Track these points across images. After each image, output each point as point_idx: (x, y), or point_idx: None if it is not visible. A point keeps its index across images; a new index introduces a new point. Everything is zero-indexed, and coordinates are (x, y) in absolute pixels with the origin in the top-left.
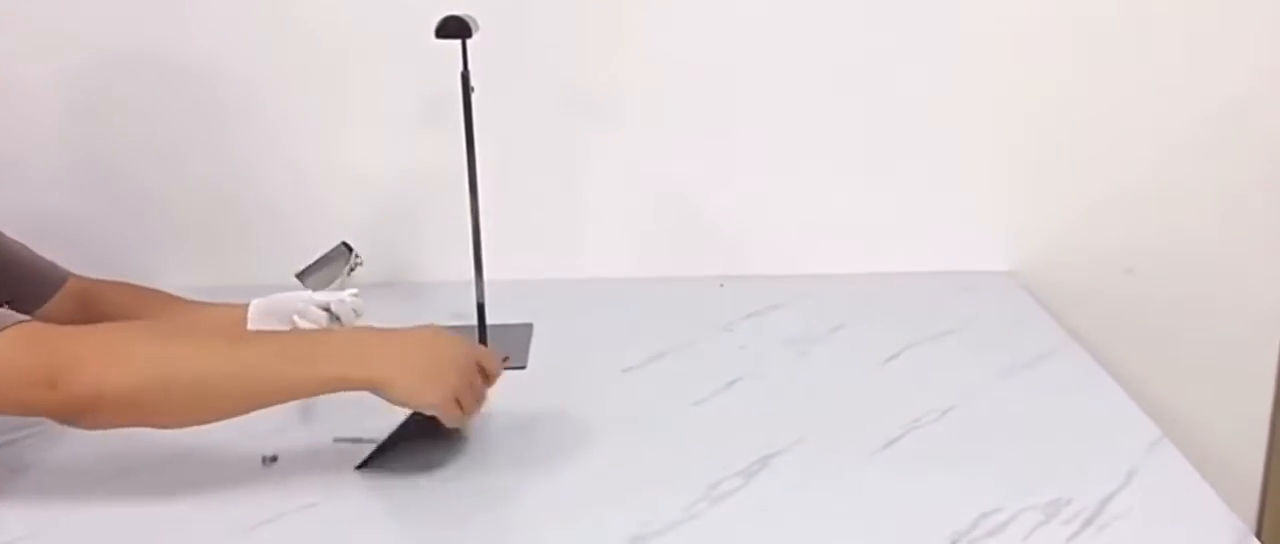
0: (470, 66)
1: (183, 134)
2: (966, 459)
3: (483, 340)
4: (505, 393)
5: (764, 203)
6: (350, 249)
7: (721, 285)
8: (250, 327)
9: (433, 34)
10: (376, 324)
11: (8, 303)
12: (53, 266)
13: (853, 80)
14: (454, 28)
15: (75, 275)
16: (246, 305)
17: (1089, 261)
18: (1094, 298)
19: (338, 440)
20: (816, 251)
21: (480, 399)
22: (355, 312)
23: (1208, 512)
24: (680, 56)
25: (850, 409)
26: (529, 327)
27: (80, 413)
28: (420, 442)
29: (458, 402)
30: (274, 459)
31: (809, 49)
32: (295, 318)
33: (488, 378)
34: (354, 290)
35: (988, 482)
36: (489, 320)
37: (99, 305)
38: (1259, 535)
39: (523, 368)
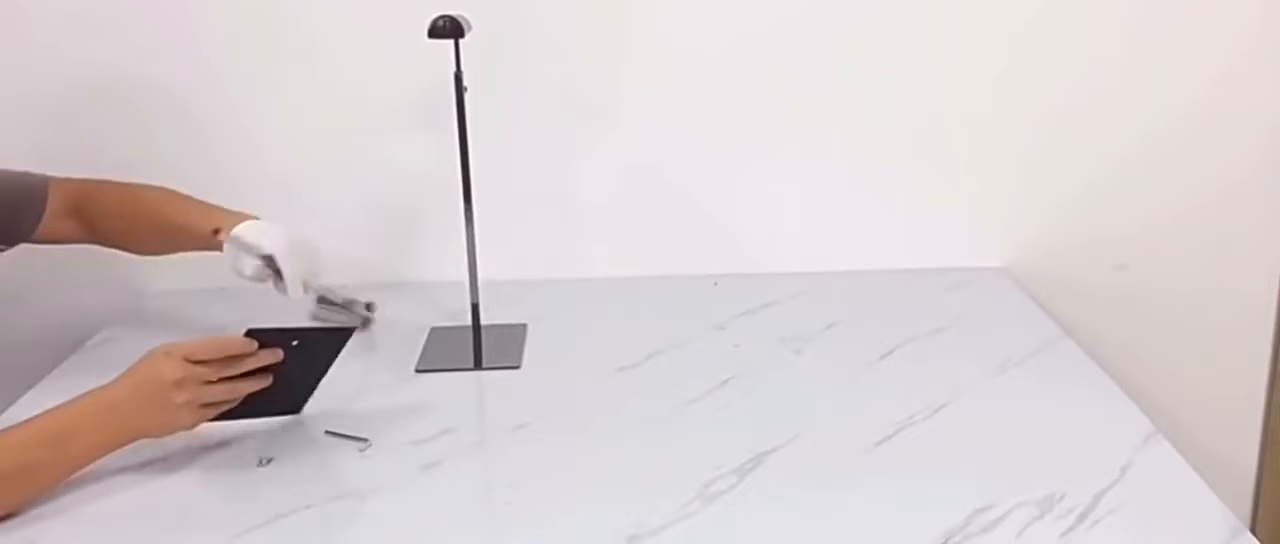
0: (464, 66)
1: (172, 135)
2: (960, 456)
3: (477, 341)
4: (500, 393)
5: (757, 202)
6: (371, 309)
7: (715, 283)
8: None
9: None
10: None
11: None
12: (31, 183)
13: (845, 79)
14: (447, 28)
15: (56, 179)
16: (243, 217)
17: (1082, 257)
18: (1087, 293)
19: (329, 433)
20: (810, 249)
21: (216, 385)
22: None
23: (1202, 506)
24: (674, 55)
25: (844, 407)
26: (522, 327)
27: None
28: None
29: (200, 407)
30: (270, 461)
31: (803, 49)
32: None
33: (207, 362)
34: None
35: (981, 478)
36: (483, 321)
37: (95, 207)
38: (1253, 530)
39: (516, 368)
